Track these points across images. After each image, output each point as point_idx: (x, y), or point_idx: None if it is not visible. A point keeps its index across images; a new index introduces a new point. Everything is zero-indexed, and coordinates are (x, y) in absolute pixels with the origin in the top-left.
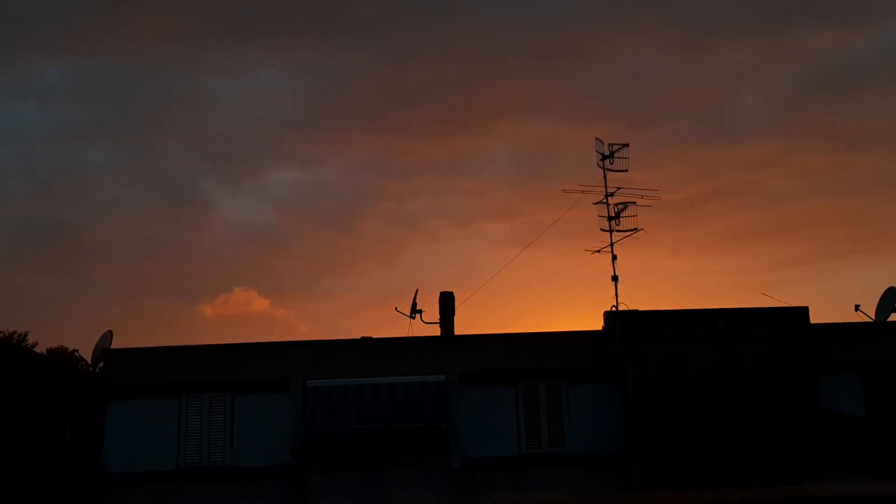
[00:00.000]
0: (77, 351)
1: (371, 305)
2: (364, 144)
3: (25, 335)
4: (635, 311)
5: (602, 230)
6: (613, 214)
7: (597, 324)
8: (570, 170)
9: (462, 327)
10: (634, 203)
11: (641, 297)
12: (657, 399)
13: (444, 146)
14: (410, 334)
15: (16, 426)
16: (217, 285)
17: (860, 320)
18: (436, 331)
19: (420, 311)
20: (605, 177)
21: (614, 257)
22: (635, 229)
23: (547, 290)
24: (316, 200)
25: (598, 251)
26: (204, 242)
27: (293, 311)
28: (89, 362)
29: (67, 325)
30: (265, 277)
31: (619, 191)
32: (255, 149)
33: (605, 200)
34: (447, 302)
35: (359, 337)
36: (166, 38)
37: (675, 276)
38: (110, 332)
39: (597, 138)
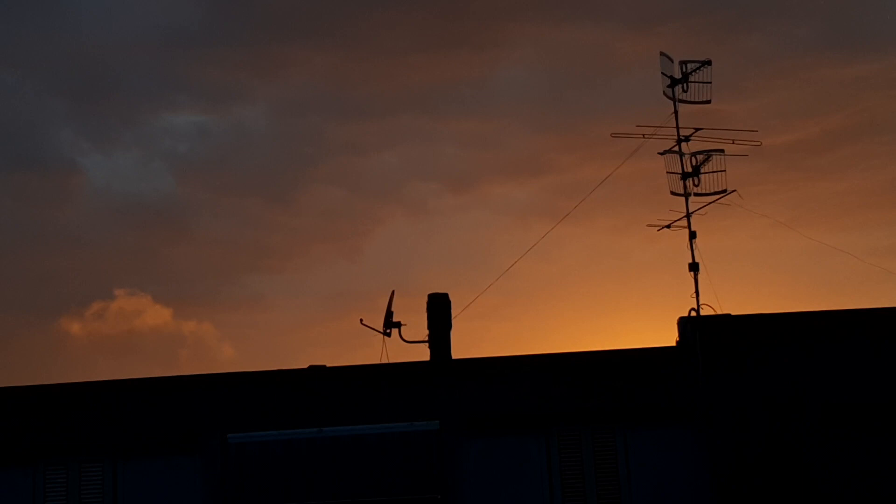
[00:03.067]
0: None
1: (324, 316)
2: (308, 68)
3: None
4: (726, 317)
5: (673, 194)
6: (690, 169)
7: (668, 337)
8: (624, 102)
9: (463, 347)
10: (722, 152)
11: (735, 295)
12: (763, 450)
13: (432, 68)
14: (385, 360)
15: None
16: (88, 287)
17: None
18: (424, 354)
19: (399, 325)
20: (675, 112)
21: (693, 235)
22: (724, 191)
23: (590, 286)
24: (234, 155)
25: (668, 226)
26: (64, 222)
27: (207, 326)
28: None
29: None
30: (162, 274)
31: (699, 133)
32: (139, 79)
33: (677, 148)
34: (440, 309)
35: (306, 366)
36: None
37: (787, 262)
38: None
39: (662, 53)
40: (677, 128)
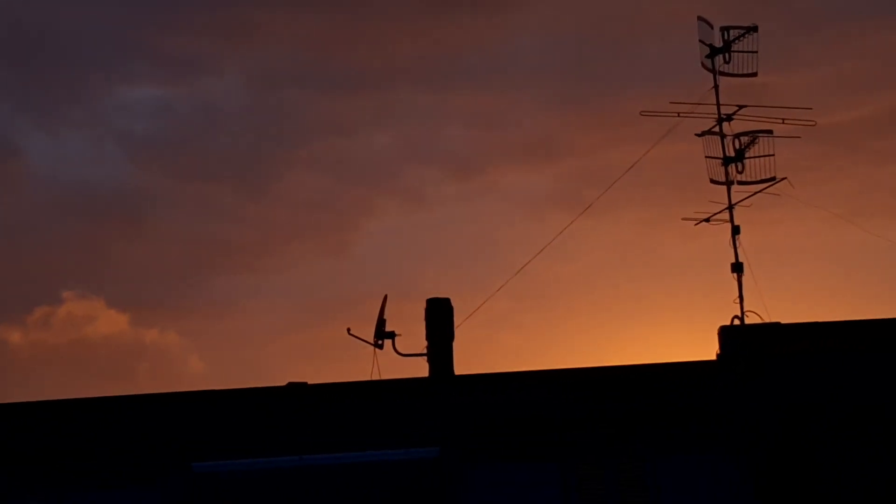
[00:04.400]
0: None
1: (305, 325)
2: (286, 34)
3: None
4: (775, 326)
5: (713, 182)
6: (733, 154)
7: (707, 349)
8: (656, 74)
9: (466, 361)
10: (771, 133)
11: (785, 300)
12: (820, 478)
13: (432, 34)
14: (376, 376)
15: None
16: (30, 290)
17: None
18: (422, 368)
19: (392, 335)
20: (716, 86)
21: (736, 230)
22: (772, 179)
23: (616, 290)
24: (199, 136)
25: (708, 220)
26: (1, 215)
27: (170, 336)
28: None
29: None
30: (117, 275)
31: (743, 111)
32: (88, 47)
33: (717, 129)
34: (440, 317)
35: (284, 383)
36: None
37: (845, 261)
38: None
39: (700, 18)
40: (718, 105)
